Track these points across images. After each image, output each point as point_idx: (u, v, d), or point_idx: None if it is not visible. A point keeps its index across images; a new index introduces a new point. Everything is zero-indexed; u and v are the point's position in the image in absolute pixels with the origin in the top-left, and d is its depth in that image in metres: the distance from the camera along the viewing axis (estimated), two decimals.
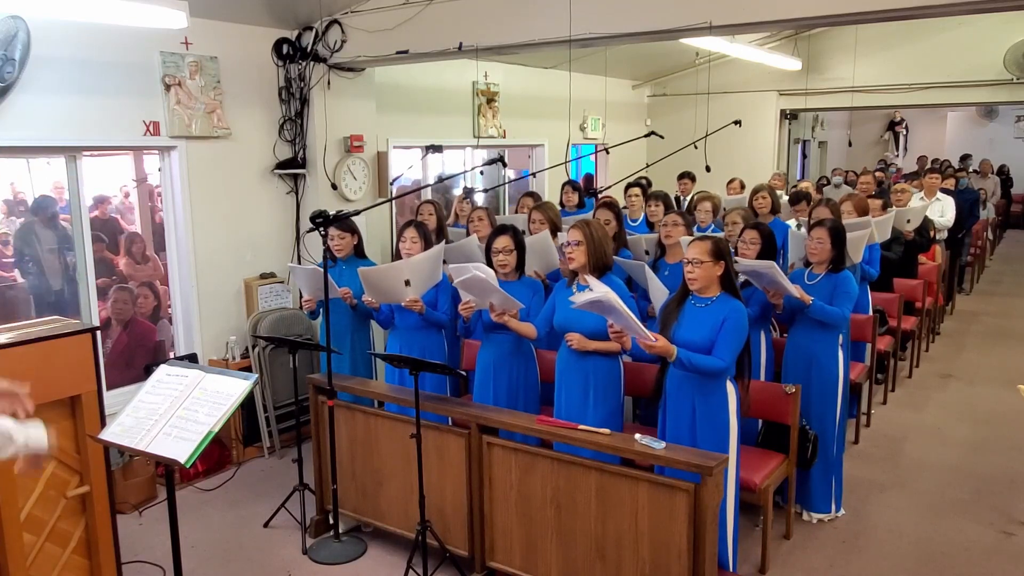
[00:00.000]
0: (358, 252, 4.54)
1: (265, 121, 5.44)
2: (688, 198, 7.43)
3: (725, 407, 3.33)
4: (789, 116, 10.86)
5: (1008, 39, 8.82)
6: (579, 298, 3.23)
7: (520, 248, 3.95)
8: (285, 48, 5.44)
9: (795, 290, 3.95)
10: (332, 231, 4.34)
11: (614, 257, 3.91)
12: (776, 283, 3.93)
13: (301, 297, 4.45)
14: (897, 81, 9.51)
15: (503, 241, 3.90)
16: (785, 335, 4.35)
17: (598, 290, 3.16)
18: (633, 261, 4.57)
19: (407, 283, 3.91)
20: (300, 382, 4.34)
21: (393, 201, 6.36)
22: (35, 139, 4.27)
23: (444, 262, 4.17)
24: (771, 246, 4.19)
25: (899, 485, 4.61)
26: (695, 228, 5.42)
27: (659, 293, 4.15)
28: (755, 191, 6.11)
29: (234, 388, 2.51)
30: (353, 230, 4.48)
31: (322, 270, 3.92)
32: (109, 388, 4.54)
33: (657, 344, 3.17)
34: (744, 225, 4.45)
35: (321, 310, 4.19)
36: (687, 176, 8.05)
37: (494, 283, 3.52)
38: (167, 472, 2.61)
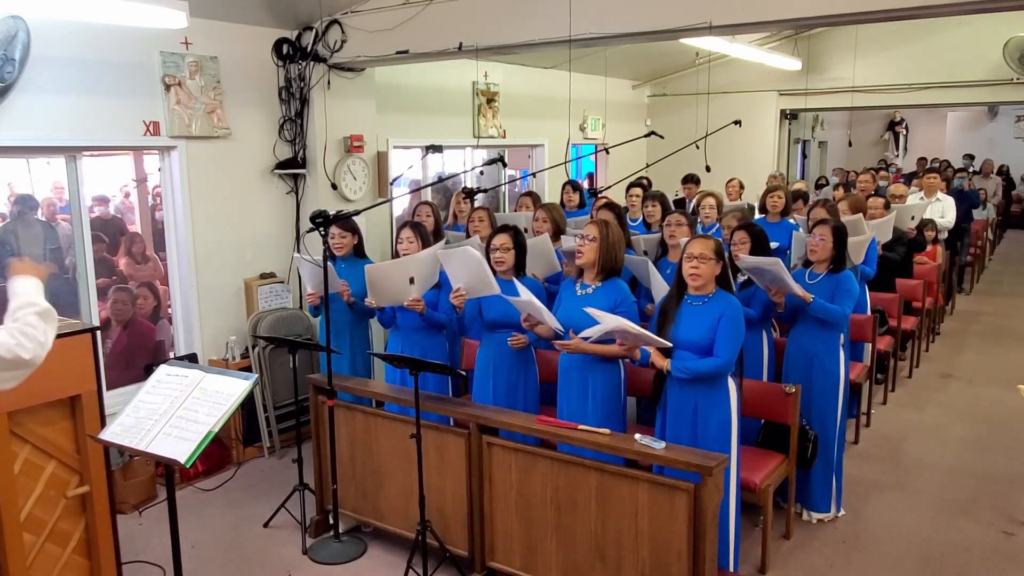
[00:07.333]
0: (358, 252, 4.55)
1: (265, 121, 5.44)
2: (693, 200, 7.32)
3: (727, 404, 3.33)
4: (789, 116, 10.85)
5: (1007, 37, 8.81)
6: (591, 332, 3.26)
7: (519, 248, 3.96)
8: (285, 48, 5.43)
9: (797, 288, 3.96)
10: (333, 230, 4.37)
11: None
12: (780, 280, 3.93)
13: (300, 286, 4.44)
14: (897, 81, 9.50)
15: (502, 239, 3.95)
16: (786, 335, 4.36)
17: (607, 322, 3.19)
18: (636, 257, 4.57)
19: (411, 281, 3.91)
20: (300, 382, 4.34)
21: (393, 201, 6.36)
22: (35, 139, 4.26)
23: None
24: (762, 246, 4.20)
25: (899, 485, 4.60)
26: (699, 227, 5.42)
27: (662, 290, 4.16)
28: (770, 190, 6.12)
29: (234, 388, 2.51)
30: (354, 230, 4.49)
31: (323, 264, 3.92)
32: (109, 388, 4.54)
33: (652, 357, 3.34)
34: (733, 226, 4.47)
35: (323, 307, 4.20)
36: (691, 180, 7.78)
37: (542, 307, 3.44)
38: (167, 472, 2.61)
